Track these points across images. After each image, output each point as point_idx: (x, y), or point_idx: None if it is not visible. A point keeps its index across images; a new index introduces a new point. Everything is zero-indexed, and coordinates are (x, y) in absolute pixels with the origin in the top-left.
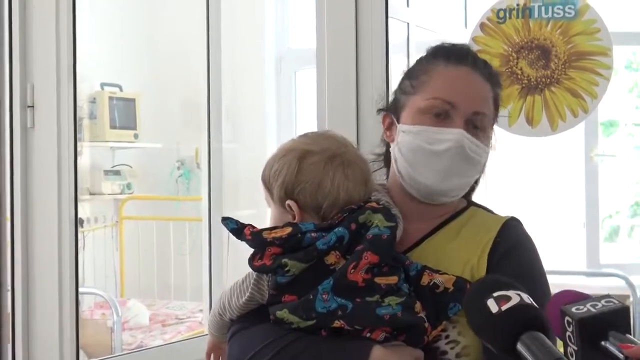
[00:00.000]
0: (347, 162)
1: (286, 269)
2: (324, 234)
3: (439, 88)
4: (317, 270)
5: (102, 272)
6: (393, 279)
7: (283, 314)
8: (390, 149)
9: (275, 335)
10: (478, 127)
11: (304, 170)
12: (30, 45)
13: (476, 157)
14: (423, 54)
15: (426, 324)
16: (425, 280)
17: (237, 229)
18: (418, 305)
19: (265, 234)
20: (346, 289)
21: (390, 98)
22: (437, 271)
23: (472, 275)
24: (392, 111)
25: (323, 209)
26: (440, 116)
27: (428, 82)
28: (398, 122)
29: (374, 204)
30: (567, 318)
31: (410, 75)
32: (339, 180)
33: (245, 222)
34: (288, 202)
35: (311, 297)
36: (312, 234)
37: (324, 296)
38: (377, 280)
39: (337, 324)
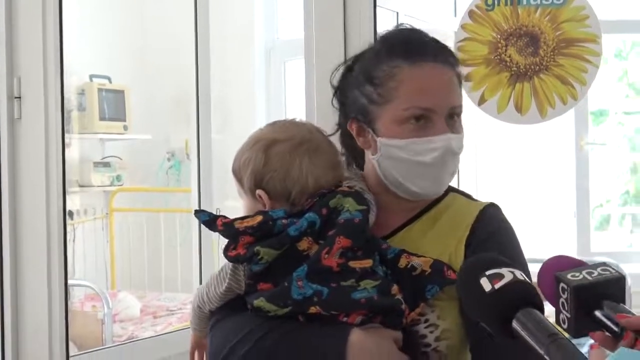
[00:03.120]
0: (313, 148)
1: (259, 256)
2: (295, 220)
3: (412, 95)
4: (291, 257)
5: (93, 264)
6: (367, 262)
7: (260, 302)
8: (368, 155)
9: (256, 323)
10: (454, 117)
11: (271, 159)
12: (17, 36)
13: (460, 150)
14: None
15: (403, 306)
16: (402, 262)
17: (209, 220)
18: (395, 288)
19: (237, 224)
20: (321, 274)
21: (350, 100)
22: (415, 254)
23: (450, 263)
24: (361, 119)
25: (292, 196)
26: (420, 121)
27: (398, 88)
28: (374, 133)
29: (345, 188)
30: (562, 284)
31: (374, 80)
32: (306, 166)
33: (234, 214)
34: (258, 191)
35: (286, 284)
36: (283, 221)
37: (299, 283)
38: (352, 264)
39: (313, 309)
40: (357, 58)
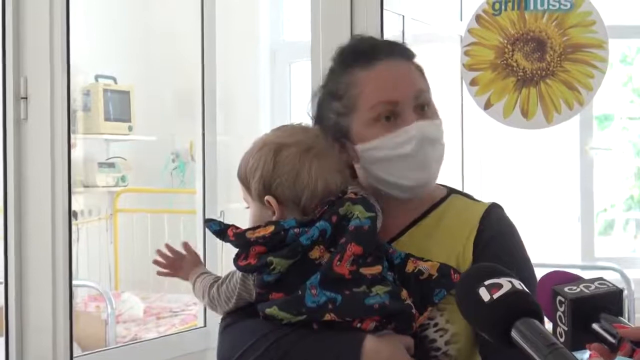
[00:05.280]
0: (321, 152)
1: (272, 267)
2: (306, 229)
3: (373, 94)
4: (302, 265)
5: (97, 264)
6: (377, 269)
7: (273, 311)
8: (355, 166)
9: (267, 329)
10: (424, 106)
11: (280, 163)
12: (24, 37)
13: (439, 136)
14: (329, 64)
15: (413, 311)
16: (409, 267)
17: (220, 230)
18: (404, 293)
19: (248, 234)
20: (333, 282)
21: (326, 122)
22: (421, 258)
23: (458, 264)
24: (338, 136)
25: (302, 201)
26: (390, 119)
27: (359, 94)
28: (352, 143)
29: (352, 195)
30: (559, 298)
31: (337, 94)
32: (315, 170)
33: (238, 216)
34: (267, 197)
35: (300, 292)
36: (295, 230)
37: (312, 291)
38: (363, 270)
39: (327, 317)
40: (322, 84)
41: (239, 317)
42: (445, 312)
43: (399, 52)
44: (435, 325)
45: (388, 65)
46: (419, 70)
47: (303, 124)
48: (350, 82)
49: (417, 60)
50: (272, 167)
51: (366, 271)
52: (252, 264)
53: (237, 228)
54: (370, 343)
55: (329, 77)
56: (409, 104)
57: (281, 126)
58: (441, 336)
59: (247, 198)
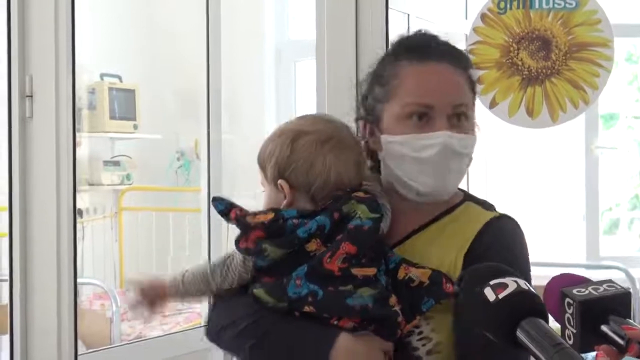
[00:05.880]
0: (339, 144)
1: (265, 253)
2: (305, 221)
3: (411, 92)
4: (298, 256)
5: (102, 262)
6: (371, 271)
7: (259, 292)
8: (379, 156)
9: (253, 308)
10: (461, 117)
11: (296, 150)
12: (29, 35)
13: (465, 150)
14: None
15: (399, 318)
16: (401, 274)
17: (224, 211)
18: (393, 299)
19: (249, 218)
20: (320, 276)
21: (363, 103)
22: (415, 265)
23: (449, 274)
24: (370, 120)
25: (313, 189)
26: (422, 119)
27: (399, 86)
28: (380, 131)
29: (360, 194)
30: (567, 300)
31: (380, 80)
32: (330, 161)
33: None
34: (280, 181)
35: (285, 281)
36: (294, 221)
37: (297, 281)
38: (354, 270)
39: (307, 309)
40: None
41: (231, 292)
42: (431, 321)
43: (454, 59)
44: (420, 333)
45: (437, 67)
46: (470, 82)
47: (329, 115)
48: (394, 72)
49: (471, 72)
50: (288, 153)
51: (358, 272)
52: (250, 248)
53: (241, 210)
54: (343, 340)
55: (380, 62)
56: (444, 111)
57: (305, 115)
58: (423, 345)
59: (263, 182)
